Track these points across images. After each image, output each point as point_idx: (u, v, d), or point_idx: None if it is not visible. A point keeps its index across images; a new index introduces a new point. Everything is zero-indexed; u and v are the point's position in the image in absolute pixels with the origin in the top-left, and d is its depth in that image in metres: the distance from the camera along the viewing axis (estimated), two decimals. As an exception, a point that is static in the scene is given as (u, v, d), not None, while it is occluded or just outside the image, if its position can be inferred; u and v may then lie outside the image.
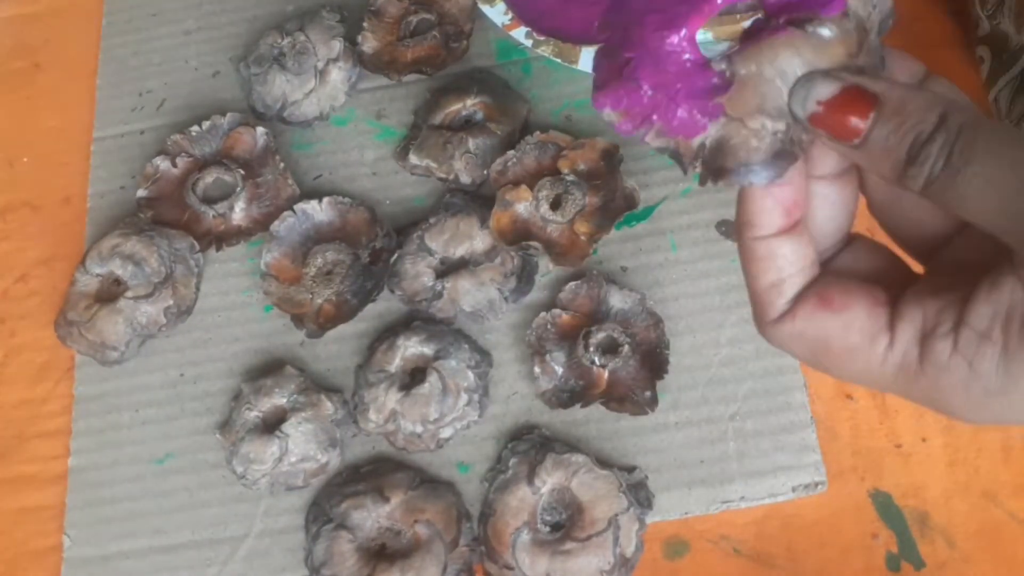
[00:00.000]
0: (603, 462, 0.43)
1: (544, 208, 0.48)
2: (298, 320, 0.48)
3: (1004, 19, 0.47)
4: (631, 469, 0.44)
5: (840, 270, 0.28)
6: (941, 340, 0.24)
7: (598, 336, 0.45)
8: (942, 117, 0.23)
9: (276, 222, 0.49)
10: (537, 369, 0.45)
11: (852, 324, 0.25)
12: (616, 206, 0.48)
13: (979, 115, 0.23)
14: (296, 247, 0.50)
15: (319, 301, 0.48)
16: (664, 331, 0.46)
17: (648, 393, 0.44)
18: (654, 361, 0.45)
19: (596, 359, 0.45)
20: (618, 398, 0.45)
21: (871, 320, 0.25)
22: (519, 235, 0.48)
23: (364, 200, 0.51)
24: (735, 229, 0.30)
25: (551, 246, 0.48)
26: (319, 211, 0.50)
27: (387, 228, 0.49)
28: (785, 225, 0.26)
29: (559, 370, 0.45)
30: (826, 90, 0.24)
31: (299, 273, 0.49)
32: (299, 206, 0.50)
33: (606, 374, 0.45)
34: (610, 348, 0.45)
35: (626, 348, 0.45)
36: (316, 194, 0.50)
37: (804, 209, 0.27)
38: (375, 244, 0.49)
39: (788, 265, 0.26)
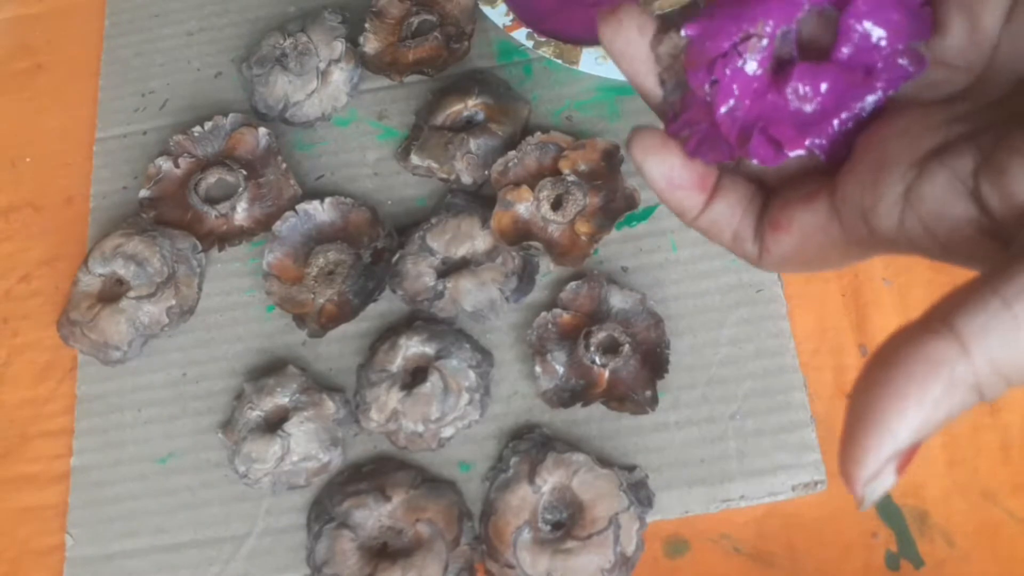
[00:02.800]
0: (604, 461, 0.43)
1: (545, 208, 0.48)
2: (300, 320, 0.48)
3: None
4: (632, 468, 0.44)
5: (784, 187, 0.28)
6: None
7: (599, 336, 0.45)
8: None
9: (278, 222, 0.50)
10: (538, 369, 0.45)
11: (808, 234, 0.26)
12: (617, 206, 0.48)
13: None
14: (298, 247, 0.50)
15: (321, 301, 0.48)
16: (664, 331, 0.46)
17: (648, 392, 0.45)
18: (655, 361, 0.46)
19: (597, 359, 0.45)
20: (619, 397, 0.45)
21: (817, 221, 0.26)
22: (520, 235, 0.48)
23: (366, 200, 0.51)
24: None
25: (552, 246, 0.48)
26: (321, 211, 0.50)
27: (389, 228, 0.50)
28: (706, 197, 0.27)
29: (560, 370, 0.45)
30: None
31: (301, 273, 0.49)
32: (301, 206, 0.50)
33: (607, 374, 0.45)
34: (611, 348, 0.45)
35: (627, 348, 0.45)
36: (318, 195, 0.51)
37: (712, 173, 0.28)
38: (377, 244, 0.49)
39: (731, 219, 0.27)
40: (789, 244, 0.26)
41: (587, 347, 0.45)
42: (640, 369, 0.45)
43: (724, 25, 0.26)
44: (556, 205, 0.48)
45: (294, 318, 0.48)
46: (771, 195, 0.28)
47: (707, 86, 0.26)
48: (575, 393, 0.45)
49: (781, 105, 0.26)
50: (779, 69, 0.26)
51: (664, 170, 0.28)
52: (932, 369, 0.20)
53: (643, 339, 0.46)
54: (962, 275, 0.49)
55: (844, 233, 0.25)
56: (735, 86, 0.26)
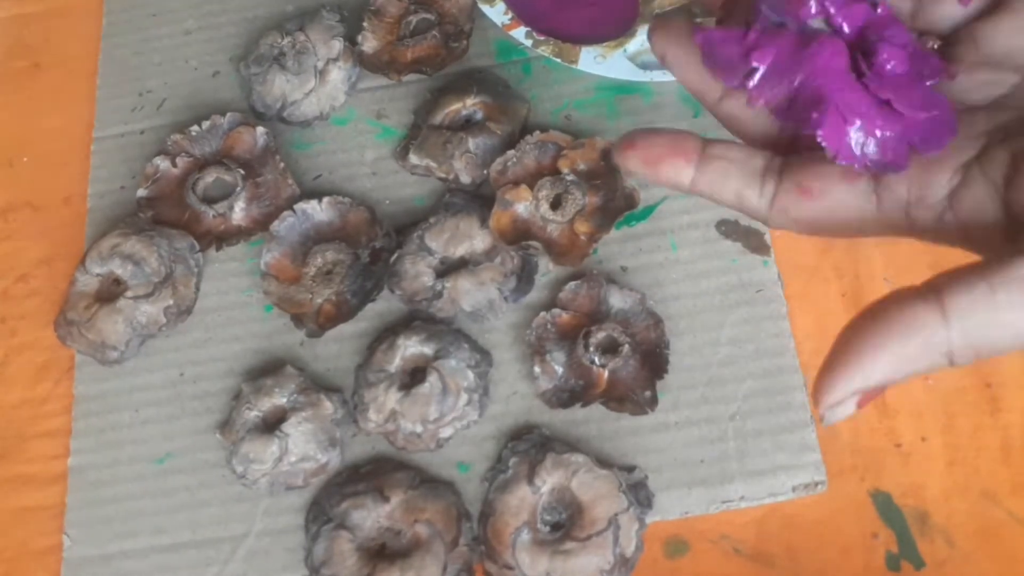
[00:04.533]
0: (603, 462, 0.43)
1: (544, 208, 0.48)
2: (298, 320, 0.48)
3: None
4: (631, 469, 0.44)
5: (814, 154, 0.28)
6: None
7: (598, 336, 0.45)
8: None
9: (276, 222, 0.49)
10: (537, 369, 0.45)
11: (839, 208, 0.27)
12: (616, 206, 0.48)
13: None
14: (296, 247, 0.50)
15: (319, 301, 0.48)
16: (664, 331, 0.46)
17: (648, 393, 0.45)
18: (654, 361, 0.45)
19: (596, 359, 0.45)
20: (618, 398, 0.45)
21: (854, 199, 0.27)
22: (519, 235, 0.48)
23: (364, 200, 0.51)
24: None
25: (551, 246, 0.48)
26: (319, 211, 0.50)
27: (387, 228, 0.50)
28: (691, 172, 0.28)
29: (559, 370, 0.45)
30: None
31: (299, 273, 0.49)
32: (299, 206, 0.50)
33: (606, 374, 0.45)
34: (610, 348, 0.45)
35: (626, 348, 0.45)
36: (316, 194, 0.51)
37: (695, 144, 0.28)
38: (375, 244, 0.49)
39: (726, 183, 0.28)
40: (813, 211, 0.27)
41: (586, 347, 0.45)
42: (640, 369, 0.45)
43: None
44: (555, 205, 0.48)
45: (292, 318, 0.48)
46: (787, 155, 0.28)
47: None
48: (574, 393, 0.45)
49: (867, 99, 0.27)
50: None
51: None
52: (912, 329, 0.23)
53: (643, 339, 0.46)
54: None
55: (880, 216, 0.26)
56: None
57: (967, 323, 0.23)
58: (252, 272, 0.50)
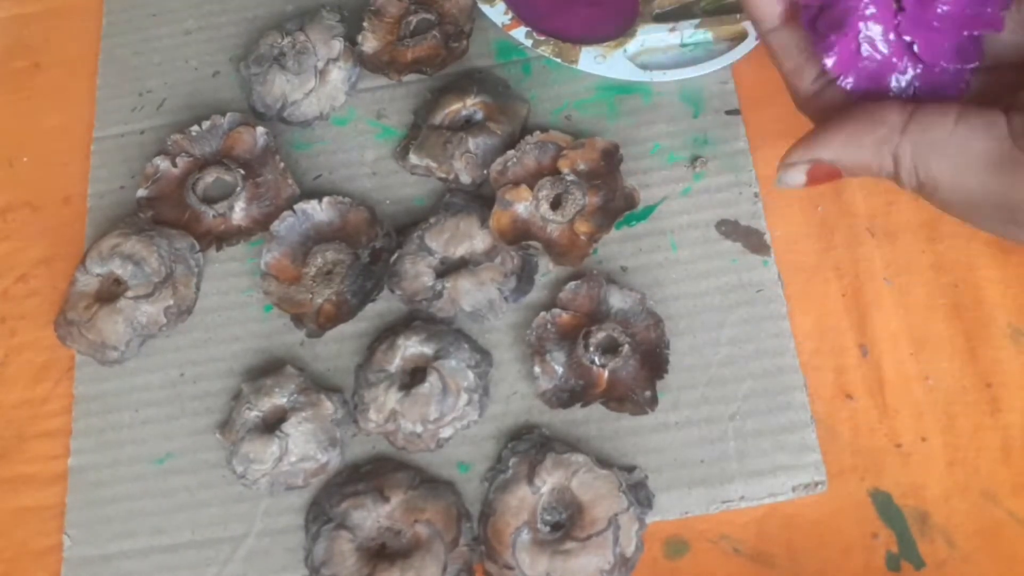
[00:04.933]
0: (603, 462, 0.43)
1: (544, 208, 0.48)
2: (298, 320, 0.48)
3: None
4: (631, 469, 0.44)
5: None
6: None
7: (598, 336, 0.45)
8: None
9: (276, 222, 0.49)
10: (537, 369, 0.45)
11: (877, 116, 0.28)
12: (616, 206, 0.48)
13: None
14: (296, 247, 0.50)
15: (319, 301, 0.48)
16: (664, 331, 0.46)
17: (648, 393, 0.45)
18: (654, 361, 0.45)
19: (596, 359, 0.45)
20: (618, 398, 0.45)
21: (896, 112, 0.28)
22: (519, 235, 0.48)
23: (364, 200, 0.51)
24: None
25: (551, 246, 0.48)
26: (319, 211, 0.50)
27: (387, 228, 0.50)
28: (784, 13, 0.30)
29: (559, 370, 0.45)
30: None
31: (299, 273, 0.49)
32: (299, 206, 0.50)
33: (606, 374, 0.45)
34: (610, 348, 0.45)
35: (626, 348, 0.45)
36: (316, 194, 0.51)
37: None
38: (375, 244, 0.49)
39: (799, 52, 0.30)
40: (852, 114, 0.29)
41: (586, 347, 0.45)
42: (640, 369, 0.45)
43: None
44: (555, 205, 0.48)
45: (292, 318, 0.48)
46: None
47: None
48: (574, 393, 0.45)
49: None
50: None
51: None
52: (874, 121, 0.26)
53: (643, 339, 0.46)
54: (960, 275, 0.49)
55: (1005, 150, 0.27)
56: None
57: (921, 137, 0.25)
58: (252, 272, 0.50)
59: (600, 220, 0.48)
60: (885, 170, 0.26)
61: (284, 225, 0.50)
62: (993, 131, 0.25)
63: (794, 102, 0.31)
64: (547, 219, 0.48)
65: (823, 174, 0.27)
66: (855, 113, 0.26)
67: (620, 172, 0.49)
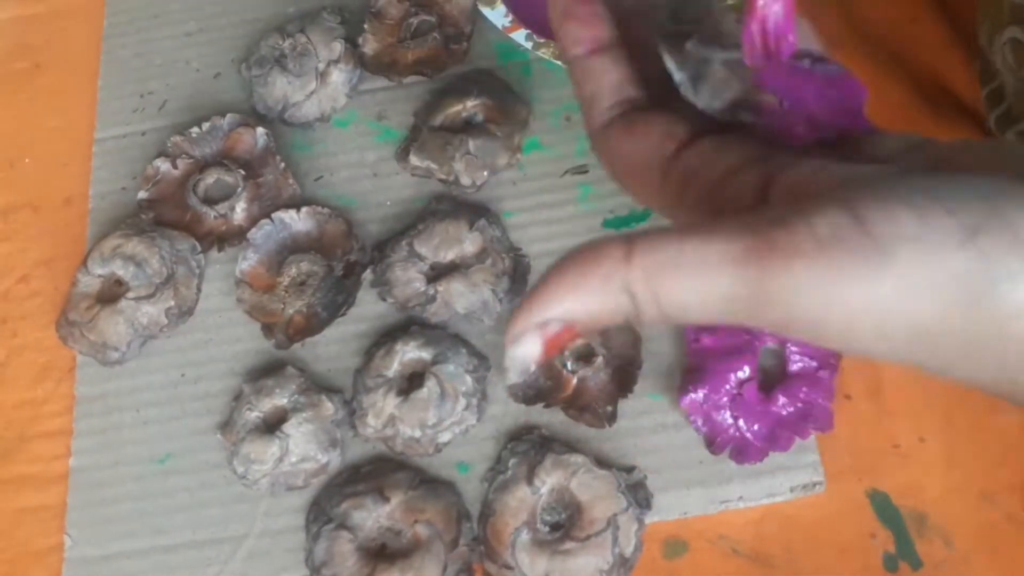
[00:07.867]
0: (602, 462, 0.43)
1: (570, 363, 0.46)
2: (268, 330, 0.48)
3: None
4: (630, 469, 0.44)
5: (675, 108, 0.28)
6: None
7: (576, 342, 0.45)
8: None
9: (253, 229, 0.49)
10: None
11: (642, 149, 0.27)
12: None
13: None
14: (272, 255, 0.49)
15: (290, 312, 0.48)
16: (640, 351, 0.46)
17: (610, 408, 0.44)
18: (624, 377, 0.45)
19: (569, 364, 0.45)
20: (580, 407, 0.45)
21: (659, 148, 0.26)
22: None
23: (364, 201, 0.51)
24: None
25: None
26: (297, 220, 0.50)
27: (363, 242, 0.49)
28: (594, 44, 0.28)
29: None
30: None
31: (274, 282, 0.49)
32: (277, 215, 0.50)
33: (575, 380, 0.45)
34: (585, 356, 0.45)
35: (600, 359, 0.45)
36: (317, 195, 0.51)
37: (606, 30, 0.28)
38: (350, 257, 0.49)
39: (599, 81, 0.28)
40: (622, 145, 0.28)
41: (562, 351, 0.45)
42: (608, 383, 0.45)
43: (718, 383, 0.43)
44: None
45: (262, 327, 0.48)
46: None
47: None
48: (540, 393, 0.45)
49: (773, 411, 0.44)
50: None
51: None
52: (595, 262, 0.23)
53: (619, 354, 0.46)
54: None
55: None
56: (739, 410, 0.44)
57: (648, 260, 0.22)
58: (253, 273, 0.50)
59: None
60: (622, 309, 0.23)
61: (261, 233, 0.49)
62: (731, 228, 0.22)
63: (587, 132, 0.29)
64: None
65: (563, 337, 0.23)
66: (575, 257, 0.23)
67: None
